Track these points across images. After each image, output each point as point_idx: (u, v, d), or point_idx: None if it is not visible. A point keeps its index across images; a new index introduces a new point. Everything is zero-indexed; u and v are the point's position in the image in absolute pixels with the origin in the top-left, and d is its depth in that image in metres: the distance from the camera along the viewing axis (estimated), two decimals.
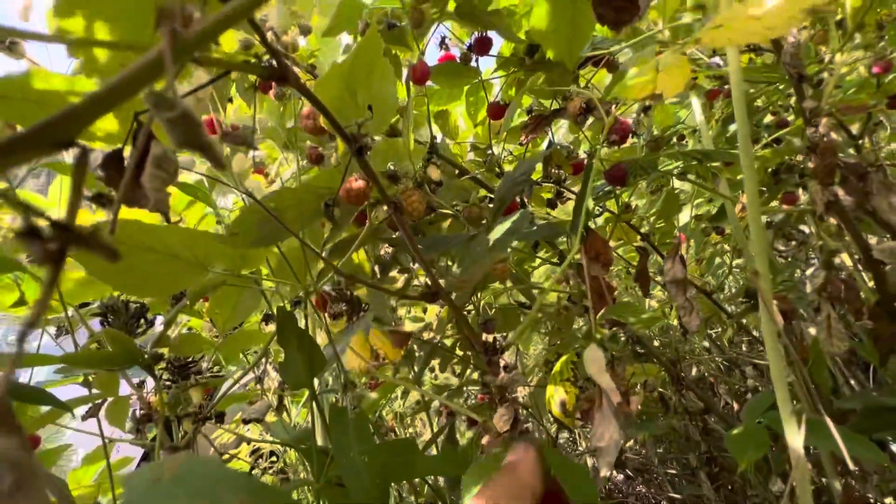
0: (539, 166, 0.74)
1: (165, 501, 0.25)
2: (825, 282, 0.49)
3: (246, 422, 0.56)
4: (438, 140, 0.66)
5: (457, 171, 0.69)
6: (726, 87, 0.85)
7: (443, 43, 0.64)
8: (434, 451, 0.80)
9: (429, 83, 0.68)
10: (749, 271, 0.49)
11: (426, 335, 0.83)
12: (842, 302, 0.51)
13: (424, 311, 0.97)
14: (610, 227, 0.75)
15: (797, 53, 0.45)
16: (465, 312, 0.82)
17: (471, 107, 0.77)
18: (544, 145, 0.87)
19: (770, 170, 0.81)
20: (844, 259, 0.73)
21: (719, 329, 1.27)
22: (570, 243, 0.51)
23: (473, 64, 0.67)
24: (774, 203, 0.90)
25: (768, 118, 0.96)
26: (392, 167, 0.43)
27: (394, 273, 0.65)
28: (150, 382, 0.56)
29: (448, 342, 0.86)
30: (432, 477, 0.72)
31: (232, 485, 0.27)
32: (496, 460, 0.28)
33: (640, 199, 1.10)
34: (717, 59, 0.78)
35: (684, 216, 1.01)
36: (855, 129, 0.84)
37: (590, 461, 1.31)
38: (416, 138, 0.71)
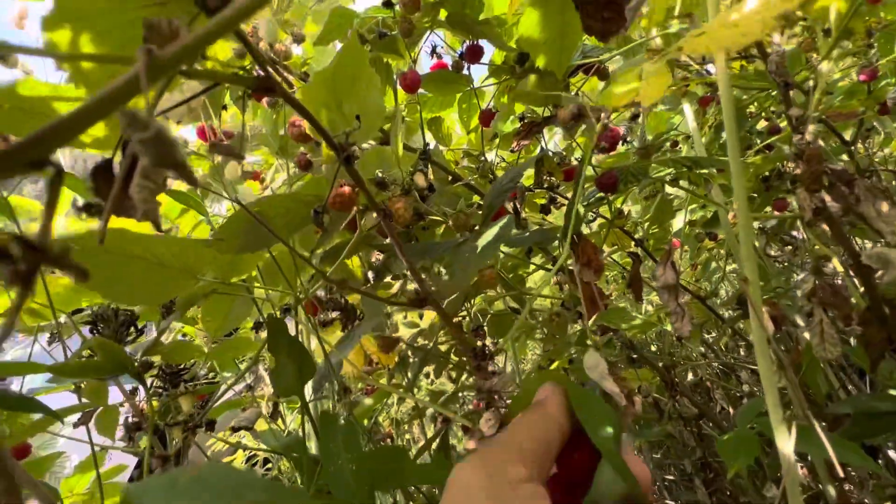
0: (532, 173, 0.75)
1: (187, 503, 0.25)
2: (814, 287, 0.49)
3: (235, 430, 0.56)
4: (432, 147, 0.67)
5: (450, 178, 0.69)
6: (718, 93, 0.86)
7: (434, 51, 0.65)
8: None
9: (421, 91, 0.68)
10: (739, 277, 0.49)
11: (421, 341, 0.83)
12: (831, 307, 0.51)
13: (421, 316, 0.97)
14: (604, 233, 0.75)
15: (782, 61, 0.45)
16: (461, 319, 0.82)
17: (463, 114, 0.77)
18: (538, 152, 0.88)
19: (761, 176, 0.81)
20: (836, 265, 0.74)
21: (715, 334, 1.27)
22: (562, 249, 0.51)
23: (466, 72, 0.68)
24: (768, 209, 0.91)
25: (762, 124, 0.97)
26: (380, 174, 0.44)
27: (388, 279, 0.66)
28: (143, 390, 0.56)
29: (443, 348, 0.86)
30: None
31: (251, 486, 0.27)
32: (527, 397, 0.29)
33: (634, 204, 1.10)
34: (709, 66, 0.78)
35: (678, 222, 1.02)
36: (848, 135, 0.84)
37: None
38: (409, 145, 0.71)
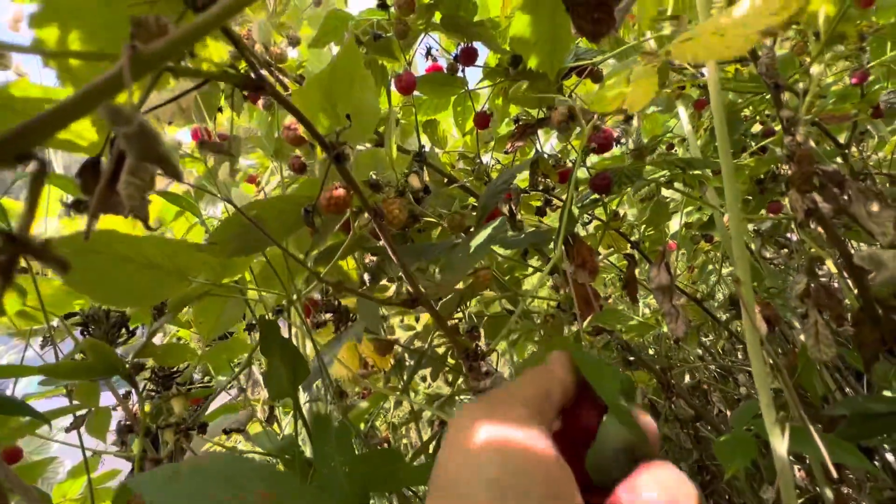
0: (527, 175, 0.75)
1: (189, 494, 0.24)
2: (807, 288, 0.49)
3: (226, 432, 0.56)
4: (427, 149, 0.67)
5: (445, 180, 0.69)
6: None
7: (429, 53, 0.65)
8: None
9: (417, 93, 0.69)
10: (732, 278, 0.49)
11: (417, 343, 0.83)
12: (825, 308, 0.51)
13: (417, 319, 0.97)
14: (600, 235, 0.75)
15: (772, 63, 0.46)
16: (456, 321, 0.82)
17: (458, 116, 0.78)
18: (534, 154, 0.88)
19: (755, 179, 0.81)
20: (830, 266, 0.74)
21: (712, 337, 1.27)
22: (555, 251, 0.51)
23: (460, 74, 0.68)
24: (763, 212, 0.91)
25: (756, 127, 0.97)
26: (374, 176, 0.44)
27: (384, 281, 0.66)
28: (135, 392, 0.56)
29: (440, 350, 0.85)
30: (423, 487, 0.72)
31: (254, 475, 0.27)
32: (536, 360, 0.28)
33: (630, 207, 1.11)
34: (704, 69, 0.79)
35: (674, 224, 1.02)
36: (842, 138, 0.85)
37: None
38: (404, 147, 0.71)
